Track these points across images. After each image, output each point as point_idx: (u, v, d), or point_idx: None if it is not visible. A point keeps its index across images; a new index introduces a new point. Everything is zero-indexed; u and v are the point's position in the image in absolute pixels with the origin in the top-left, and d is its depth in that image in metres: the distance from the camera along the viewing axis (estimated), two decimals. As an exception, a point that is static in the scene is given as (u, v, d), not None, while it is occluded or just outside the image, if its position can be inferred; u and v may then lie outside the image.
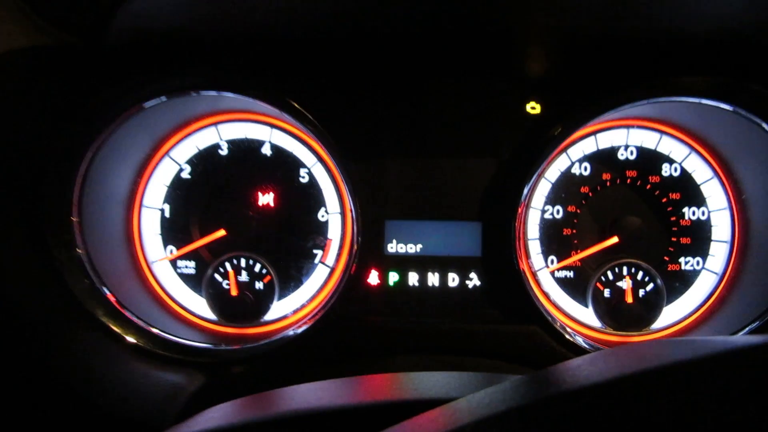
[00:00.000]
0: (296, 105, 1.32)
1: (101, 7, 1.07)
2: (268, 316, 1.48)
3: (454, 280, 1.39)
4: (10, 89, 1.17)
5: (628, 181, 1.48)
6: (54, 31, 1.15)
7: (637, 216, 1.46)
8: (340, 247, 1.49)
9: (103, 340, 1.29)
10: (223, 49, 1.33)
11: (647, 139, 1.48)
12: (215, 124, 1.49)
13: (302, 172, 1.49)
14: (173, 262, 1.51)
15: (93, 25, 1.13)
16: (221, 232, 1.48)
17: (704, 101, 1.29)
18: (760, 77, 1.25)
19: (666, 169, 1.48)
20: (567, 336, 1.33)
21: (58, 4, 1.13)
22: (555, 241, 1.49)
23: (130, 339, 1.31)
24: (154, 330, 1.35)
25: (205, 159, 1.50)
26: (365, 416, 0.70)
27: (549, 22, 1.23)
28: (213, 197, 1.50)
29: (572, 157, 1.48)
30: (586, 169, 1.48)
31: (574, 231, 1.48)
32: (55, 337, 1.24)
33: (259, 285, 1.47)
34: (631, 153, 1.48)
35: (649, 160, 1.48)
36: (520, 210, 1.35)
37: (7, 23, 1.09)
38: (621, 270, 1.44)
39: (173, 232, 1.51)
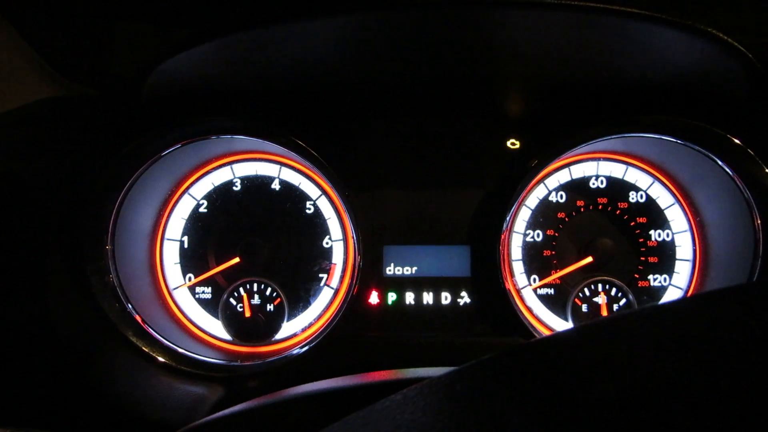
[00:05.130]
0: (302, 144, 1.48)
1: (138, 73, 1.25)
2: (279, 335, 1.62)
3: (446, 298, 1.54)
4: (54, 137, 1.35)
5: (600, 207, 1.64)
6: (87, 89, 1.33)
7: (609, 238, 1.60)
8: (343, 271, 1.64)
9: (134, 357, 1.42)
10: (235, 98, 1.49)
11: (615, 169, 1.65)
12: (230, 163, 1.66)
13: (308, 204, 1.65)
14: (191, 288, 1.66)
15: (128, 85, 1.30)
16: (235, 260, 1.62)
17: (660, 136, 1.46)
18: (706, 115, 1.42)
19: (633, 196, 1.64)
20: (549, 346, 1.47)
21: (92, 69, 1.32)
22: (536, 261, 1.63)
23: (158, 357, 1.45)
24: (178, 348, 1.49)
25: (220, 194, 1.65)
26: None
27: (525, 72, 1.41)
28: (228, 228, 1.64)
29: (549, 186, 1.64)
30: (561, 197, 1.65)
31: (554, 252, 1.63)
32: (91, 354, 1.38)
33: (270, 307, 1.61)
34: (602, 182, 1.65)
35: (618, 188, 1.64)
36: (504, 234, 1.50)
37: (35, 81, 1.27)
38: (596, 287, 1.58)
39: (192, 261, 1.65)
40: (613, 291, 1.58)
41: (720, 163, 1.45)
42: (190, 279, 1.65)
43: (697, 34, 1.13)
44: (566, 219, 1.64)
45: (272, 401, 0.85)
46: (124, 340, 1.43)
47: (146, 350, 1.44)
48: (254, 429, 0.84)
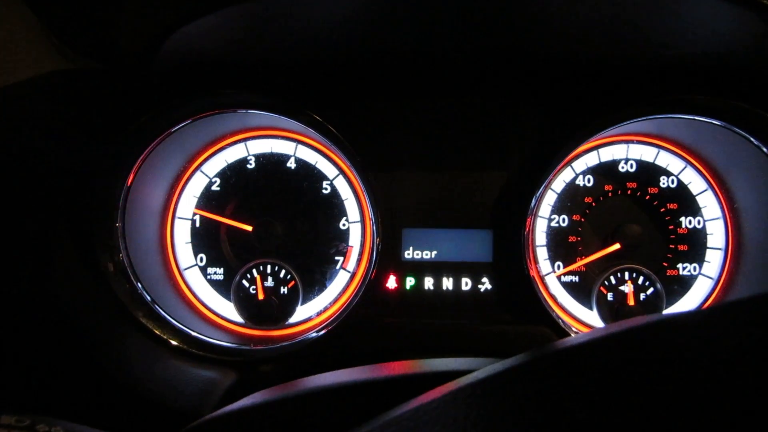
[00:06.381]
0: (320, 120, 1.42)
1: (148, 43, 1.18)
2: (293, 319, 1.56)
3: (467, 284, 1.49)
4: (61, 110, 1.29)
5: (629, 192, 1.57)
6: (95, 63, 1.27)
7: (638, 224, 1.53)
8: (360, 254, 1.58)
9: (144, 339, 1.38)
10: (250, 71, 1.41)
11: (646, 153, 1.58)
12: (244, 140, 1.60)
13: (324, 184, 1.59)
14: (203, 269, 1.61)
15: (137, 58, 1.24)
16: (248, 227, 1.56)
17: (696, 118, 1.39)
18: (747, 95, 1.35)
19: (664, 181, 1.57)
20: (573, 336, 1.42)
21: (99, 41, 1.25)
22: (561, 247, 1.57)
23: (168, 339, 1.40)
24: (189, 331, 1.44)
25: (234, 172, 1.60)
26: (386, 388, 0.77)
27: (554, 49, 1.33)
28: (241, 207, 1.59)
29: (576, 169, 1.58)
30: (589, 180, 1.58)
31: (579, 238, 1.57)
32: (100, 335, 1.33)
33: (284, 290, 1.56)
34: (631, 166, 1.58)
35: (648, 172, 1.58)
36: (528, 219, 1.44)
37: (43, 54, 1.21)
38: (623, 275, 1.53)
39: (204, 240, 1.60)
40: (641, 279, 1.52)
41: (758, 144, 1.38)
42: (201, 259, 1.60)
43: (742, 3, 1.05)
44: (593, 204, 1.58)
45: (298, 392, 0.80)
46: (134, 321, 1.38)
47: (157, 332, 1.40)
48: (281, 420, 0.79)
